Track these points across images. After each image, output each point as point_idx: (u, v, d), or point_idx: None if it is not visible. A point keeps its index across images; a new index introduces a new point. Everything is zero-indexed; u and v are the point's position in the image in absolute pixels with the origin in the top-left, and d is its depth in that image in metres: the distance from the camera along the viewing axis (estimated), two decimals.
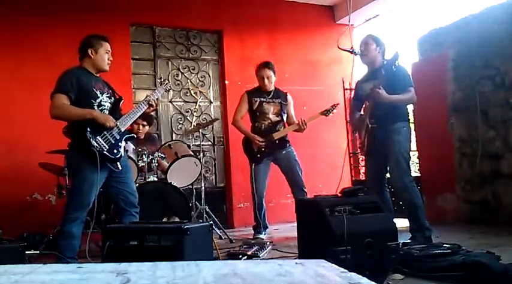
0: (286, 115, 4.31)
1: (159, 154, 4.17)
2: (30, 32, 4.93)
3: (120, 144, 2.99)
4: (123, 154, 3.04)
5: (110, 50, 3.08)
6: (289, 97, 4.38)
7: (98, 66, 3.04)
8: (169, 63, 5.76)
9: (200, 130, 4.70)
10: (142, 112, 3.15)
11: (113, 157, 2.92)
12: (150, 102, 3.14)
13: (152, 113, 4.21)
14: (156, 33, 5.71)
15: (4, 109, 4.70)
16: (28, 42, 4.91)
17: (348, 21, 5.47)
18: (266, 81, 4.23)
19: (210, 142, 5.84)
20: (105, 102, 3.01)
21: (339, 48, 3.74)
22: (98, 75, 3.09)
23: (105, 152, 2.87)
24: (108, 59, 3.07)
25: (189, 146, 4.60)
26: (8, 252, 2.41)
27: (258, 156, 4.17)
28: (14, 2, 4.90)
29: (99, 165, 2.81)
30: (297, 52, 6.25)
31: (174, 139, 5.42)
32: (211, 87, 5.95)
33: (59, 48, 4.90)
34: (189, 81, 5.82)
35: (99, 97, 2.97)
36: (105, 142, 2.89)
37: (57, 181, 4.22)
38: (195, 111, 5.81)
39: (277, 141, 4.17)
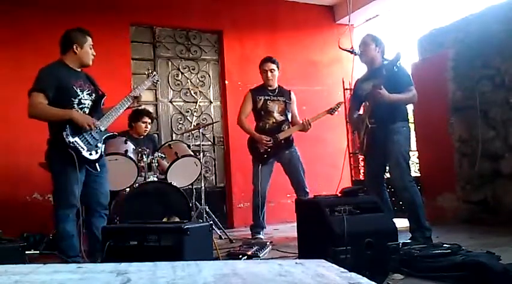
0: (290, 114, 4.30)
1: (159, 154, 4.17)
2: (30, 32, 4.93)
3: (99, 144, 2.94)
4: (102, 155, 3.00)
5: (92, 44, 3.03)
6: (292, 95, 4.37)
7: (82, 61, 3.00)
8: (169, 63, 5.76)
9: (200, 130, 4.70)
10: (126, 108, 3.11)
11: (91, 158, 2.88)
12: (135, 96, 3.11)
13: (151, 109, 4.17)
14: (156, 33, 5.71)
15: (4, 109, 4.69)
16: (28, 42, 4.90)
17: (348, 21, 5.47)
18: (269, 74, 4.21)
19: (210, 142, 5.84)
20: (86, 99, 2.96)
21: (340, 48, 3.74)
22: (79, 70, 3.04)
23: (83, 154, 2.83)
24: (91, 54, 3.02)
25: (189, 146, 4.60)
26: (8, 252, 2.42)
27: (265, 156, 4.14)
28: (14, 2, 4.90)
29: (78, 166, 2.77)
30: (297, 52, 6.24)
31: (174, 139, 5.42)
32: (211, 87, 5.95)
33: (59, 48, 4.89)
34: (189, 81, 5.82)
35: (79, 95, 2.92)
36: (83, 143, 2.84)
37: None
38: (195, 111, 5.81)
39: (282, 141, 4.15)
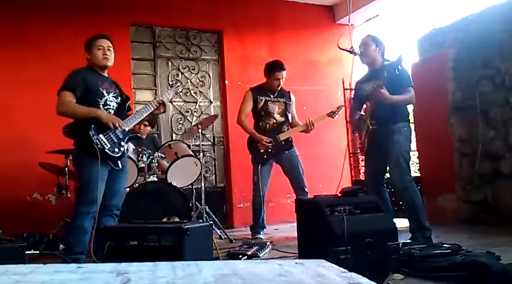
0: (290, 115, 4.30)
1: (159, 154, 4.17)
2: (30, 32, 4.93)
3: (122, 143, 3.05)
4: (125, 153, 3.10)
5: (102, 45, 3.08)
6: (292, 96, 4.36)
7: (95, 64, 3.09)
8: (169, 63, 5.76)
9: (200, 130, 4.70)
10: (149, 112, 3.21)
11: (114, 155, 2.98)
12: (160, 103, 3.20)
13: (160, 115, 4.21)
14: (156, 33, 5.71)
15: (4, 109, 4.70)
16: (29, 42, 4.90)
17: (348, 21, 5.47)
18: (281, 82, 4.20)
19: (210, 142, 5.84)
20: (111, 101, 3.07)
21: (339, 48, 3.74)
22: (105, 73, 3.15)
23: (106, 150, 2.93)
24: (103, 55, 3.07)
25: (189, 146, 4.60)
26: (8, 252, 2.41)
27: (265, 157, 4.14)
28: (14, 2, 4.90)
29: (101, 161, 2.87)
30: (297, 52, 6.24)
31: (174, 139, 5.42)
32: (211, 87, 5.95)
33: (59, 48, 4.90)
34: (189, 81, 5.82)
35: (104, 96, 3.04)
36: (107, 140, 2.95)
37: (57, 181, 4.22)
38: (195, 111, 5.81)
39: (283, 142, 4.16)
